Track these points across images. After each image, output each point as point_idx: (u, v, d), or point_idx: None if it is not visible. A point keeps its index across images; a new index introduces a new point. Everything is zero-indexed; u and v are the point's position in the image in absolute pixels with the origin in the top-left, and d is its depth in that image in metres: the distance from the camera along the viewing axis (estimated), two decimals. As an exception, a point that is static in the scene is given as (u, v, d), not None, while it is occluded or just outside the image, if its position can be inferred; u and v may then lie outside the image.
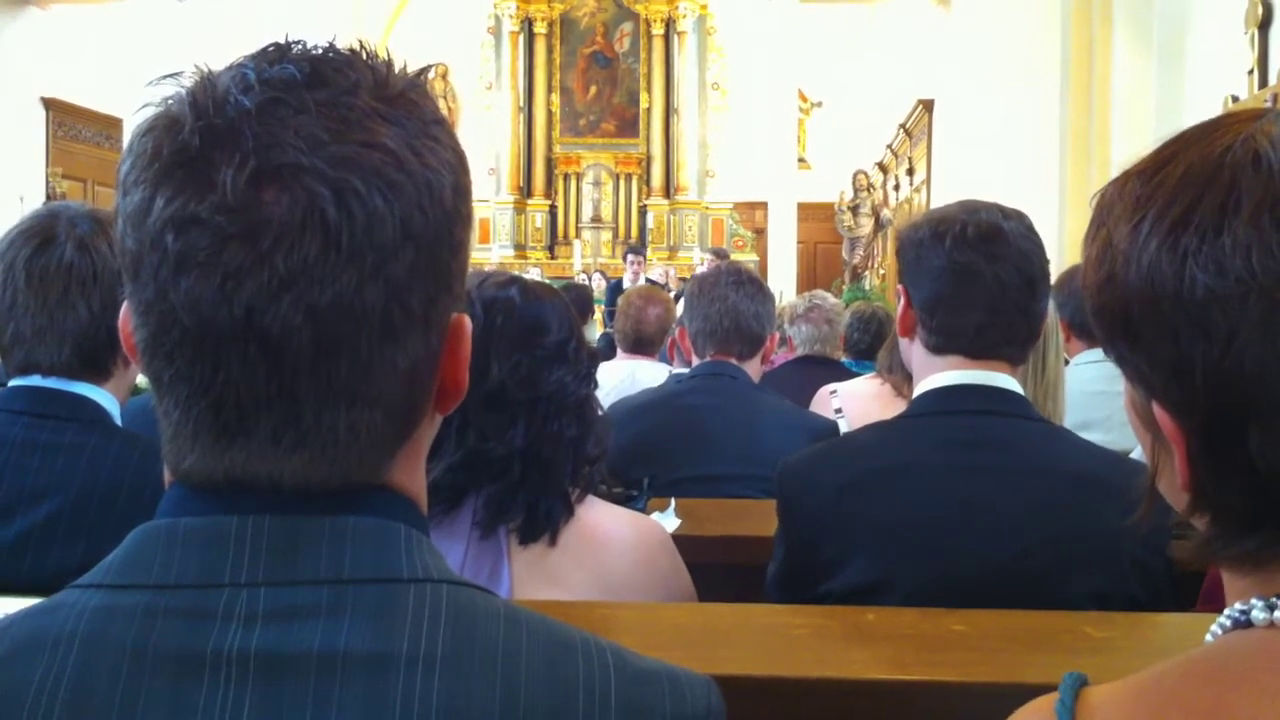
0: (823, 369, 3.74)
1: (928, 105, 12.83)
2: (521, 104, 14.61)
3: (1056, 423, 1.96)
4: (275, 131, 0.61)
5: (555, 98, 14.74)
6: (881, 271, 14.39)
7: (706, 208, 14.67)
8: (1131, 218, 0.66)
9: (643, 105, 14.72)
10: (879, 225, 15.09)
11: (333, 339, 0.62)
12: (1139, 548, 1.48)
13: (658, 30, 14.59)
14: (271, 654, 0.61)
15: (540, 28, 14.61)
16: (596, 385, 1.52)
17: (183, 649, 0.61)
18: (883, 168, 15.44)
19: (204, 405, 0.63)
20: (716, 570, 1.76)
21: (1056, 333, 2.25)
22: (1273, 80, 6.33)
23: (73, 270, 1.54)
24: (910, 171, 13.98)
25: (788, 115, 14.94)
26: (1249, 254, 0.60)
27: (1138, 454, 1.69)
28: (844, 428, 2.74)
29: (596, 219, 14.62)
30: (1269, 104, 6.09)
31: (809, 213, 15.22)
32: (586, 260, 13.64)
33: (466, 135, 11.52)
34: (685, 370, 2.94)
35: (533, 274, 8.37)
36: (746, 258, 13.16)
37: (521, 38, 14.58)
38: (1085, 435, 1.74)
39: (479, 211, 13.29)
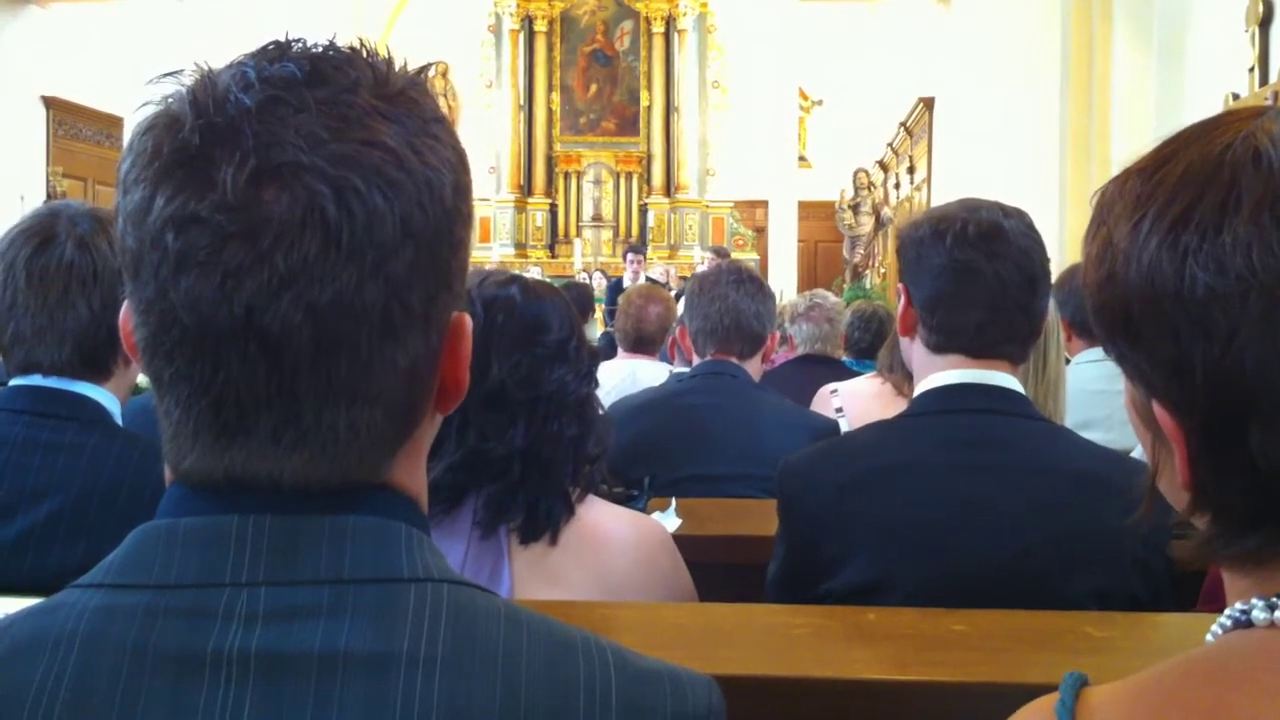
0: (823, 368, 3.75)
1: (928, 103, 12.82)
2: (522, 102, 14.61)
3: (1057, 422, 1.96)
4: (275, 130, 0.61)
5: (555, 96, 14.74)
6: (882, 270, 14.38)
7: (707, 206, 14.67)
8: (1132, 216, 0.66)
9: (643, 104, 14.72)
10: (879, 224, 15.08)
11: (333, 337, 0.62)
12: (1140, 547, 1.48)
13: (658, 28, 14.59)
14: (272, 654, 0.61)
15: (540, 26, 14.61)
16: (597, 384, 1.51)
17: (183, 649, 0.61)
18: (883, 166, 15.44)
19: (204, 404, 0.63)
20: (717, 570, 1.76)
21: (1057, 331, 2.25)
22: (1273, 78, 6.32)
23: (73, 269, 1.54)
24: (911, 170, 13.98)
25: (788, 114, 14.95)
26: (1249, 252, 0.60)
27: (1138, 453, 1.69)
28: (844, 427, 2.74)
29: (597, 218, 14.62)
30: (1269, 102, 6.08)
31: (809, 211, 15.22)
32: (587, 259, 13.64)
33: (467, 134, 11.50)
34: (686, 369, 2.94)
35: (533, 273, 8.38)
36: (747, 256, 13.16)
37: (522, 36, 14.58)
38: (1086, 434, 1.74)
39: (479, 210, 13.30)
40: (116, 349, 1.56)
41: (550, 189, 14.75)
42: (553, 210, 14.72)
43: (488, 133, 14.35)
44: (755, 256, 13.86)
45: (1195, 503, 0.67)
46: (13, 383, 1.57)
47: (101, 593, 0.63)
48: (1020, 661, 1.26)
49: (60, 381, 1.56)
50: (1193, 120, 0.69)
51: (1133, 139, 7.83)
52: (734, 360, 2.60)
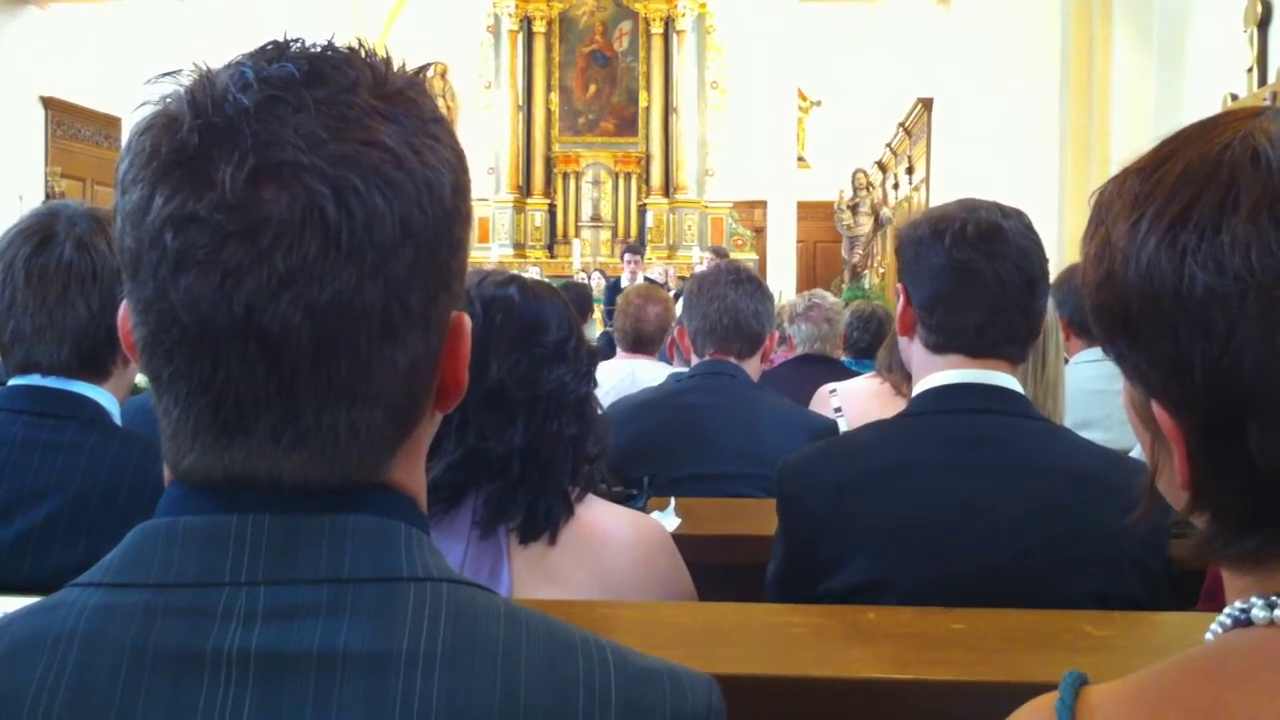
0: (822, 368, 3.75)
1: (927, 104, 12.82)
2: (520, 103, 14.61)
3: (1056, 421, 1.96)
4: (274, 129, 0.61)
5: (554, 96, 14.74)
6: (881, 270, 14.38)
7: (706, 207, 14.67)
8: (1130, 215, 0.66)
9: (642, 104, 14.72)
10: (878, 224, 15.09)
11: (332, 337, 0.62)
12: (1139, 547, 1.48)
13: (657, 29, 14.59)
14: (271, 653, 0.61)
15: (539, 26, 14.61)
16: (596, 384, 1.52)
17: (182, 648, 0.61)
18: (882, 166, 15.44)
19: (203, 403, 0.63)
20: (716, 569, 1.76)
21: (1056, 331, 2.25)
22: (1272, 78, 6.33)
23: (72, 269, 1.54)
24: (910, 170, 13.97)
25: (787, 114, 14.94)
26: (1248, 252, 0.60)
27: (1137, 453, 1.69)
28: (843, 427, 2.74)
29: (596, 218, 14.61)
30: (1268, 102, 6.09)
31: (808, 211, 15.22)
32: (586, 259, 13.64)
33: (465, 134, 11.48)
34: (685, 369, 2.94)
35: (532, 273, 8.38)
36: (746, 256, 13.17)
37: (520, 36, 14.58)
38: (1085, 434, 1.74)
39: (478, 210, 13.26)
40: (115, 349, 1.56)
41: (549, 189, 14.76)
42: (551, 210, 14.72)
43: (486, 133, 14.34)
44: (754, 257, 13.86)
45: (1194, 502, 0.67)
46: (12, 382, 1.57)
47: (101, 592, 0.63)
48: (1019, 661, 1.26)
49: (59, 381, 1.56)
50: (1192, 120, 0.69)
51: (1132, 139, 7.84)
52: (733, 360, 2.60)
